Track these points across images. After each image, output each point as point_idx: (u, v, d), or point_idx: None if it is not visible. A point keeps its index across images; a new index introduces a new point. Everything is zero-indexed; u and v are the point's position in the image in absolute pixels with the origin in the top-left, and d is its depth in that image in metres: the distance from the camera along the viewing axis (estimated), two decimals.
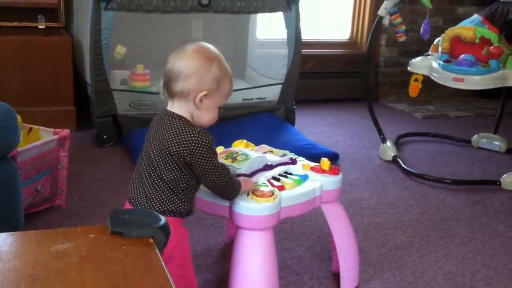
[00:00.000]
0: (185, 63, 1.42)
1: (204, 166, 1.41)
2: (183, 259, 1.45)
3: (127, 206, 1.48)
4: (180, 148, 1.39)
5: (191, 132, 1.40)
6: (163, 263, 0.81)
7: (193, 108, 1.44)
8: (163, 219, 0.91)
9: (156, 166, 1.42)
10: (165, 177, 1.41)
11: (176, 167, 1.40)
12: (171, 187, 1.41)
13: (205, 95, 1.42)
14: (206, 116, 1.46)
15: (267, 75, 3.38)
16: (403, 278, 1.92)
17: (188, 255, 1.51)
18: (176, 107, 1.45)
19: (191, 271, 1.52)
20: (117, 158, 2.82)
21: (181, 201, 1.43)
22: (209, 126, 1.49)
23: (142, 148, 1.50)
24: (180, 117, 1.43)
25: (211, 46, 1.48)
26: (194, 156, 1.39)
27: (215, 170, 1.43)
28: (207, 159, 1.41)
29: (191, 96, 1.42)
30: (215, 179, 1.44)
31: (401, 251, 2.10)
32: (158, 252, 0.84)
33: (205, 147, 1.40)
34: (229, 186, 1.50)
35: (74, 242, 0.87)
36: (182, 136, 1.39)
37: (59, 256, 0.83)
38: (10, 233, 0.90)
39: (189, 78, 1.41)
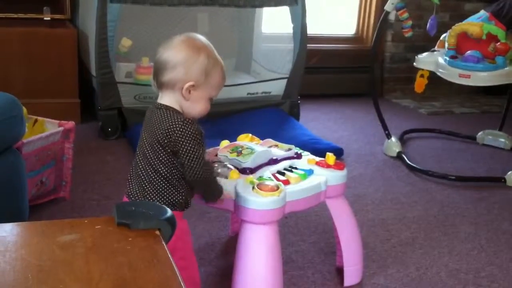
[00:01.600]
0: (172, 53, 1.41)
1: (186, 155, 1.38)
2: (185, 251, 1.45)
3: (125, 200, 1.48)
4: (165, 137, 1.38)
5: (175, 120, 1.38)
6: (169, 255, 0.81)
7: (181, 99, 1.42)
8: (169, 211, 0.91)
9: (149, 158, 1.41)
10: (159, 169, 1.40)
11: (167, 157, 1.40)
12: (166, 178, 1.41)
13: (192, 85, 1.41)
14: (195, 107, 1.44)
15: (272, 69, 3.37)
16: (407, 274, 1.92)
17: (190, 248, 1.51)
18: (165, 98, 1.44)
19: (194, 263, 1.52)
20: (122, 151, 2.82)
21: (178, 192, 1.42)
22: (200, 117, 1.47)
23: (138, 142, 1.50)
24: (168, 108, 1.41)
25: (200, 36, 1.46)
26: (178, 144, 1.38)
27: (197, 160, 1.39)
28: (189, 147, 1.38)
29: (178, 87, 1.41)
30: (196, 169, 1.40)
31: (405, 247, 2.10)
32: (164, 244, 0.84)
33: (189, 136, 1.37)
34: (210, 182, 1.47)
35: (80, 233, 0.86)
36: (168, 125, 1.38)
37: (65, 246, 0.83)
38: (17, 223, 0.90)
39: (175, 68, 1.40)
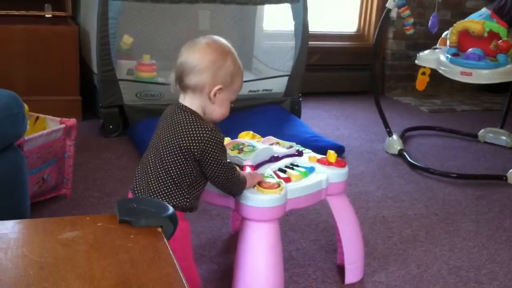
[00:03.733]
0: (199, 57, 1.41)
1: (212, 163, 1.41)
2: (184, 252, 1.44)
3: (130, 196, 1.48)
4: (191, 144, 1.38)
5: (203, 129, 1.39)
6: (171, 253, 0.81)
7: (207, 102, 1.43)
8: (171, 209, 0.91)
9: (163, 159, 1.41)
10: (171, 171, 1.40)
11: (185, 162, 1.39)
12: (176, 181, 1.40)
13: (220, 89, 1.42)
14: (219, 110, 1.45)
15: (273, 67, 3.37)
16: (408, 272, 1.92)
17: (189, 248, 1.50)
18: (188, 100, 1.44)
19: (193, 264, 1.52)
20: (123, 148, 2.82)
21: (184, 197, 1.42)
22: (221, 120, 1.49)
23: (150, 138, 1.49)
24: (193, 112, 1.42)
25: (224, 40, 1.47)
26: (205, 152, 1.39)
27: (223, 168, 1.43)
28: (216, 156, 1.40)
29: (206, 90, 1.42)
30: (221, 177, 1.44)
31: (406, 244, 2.10)
32: (166, 242, 0.84)
33: (216, 144, 1.39)
34: (234, 185, 1.49)
35: (82, 230, 0.87)
36: (194, 132, 1.38)
37: (67, 244, 0.83)
38: (18, 220, 0.90)
39: (203, 72, 1.40)
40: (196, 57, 1.41)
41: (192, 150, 1.38)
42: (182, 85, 1.44)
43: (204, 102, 1.43)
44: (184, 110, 1.42)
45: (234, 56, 1.46)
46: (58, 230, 0.86)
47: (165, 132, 1.43)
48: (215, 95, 1.42)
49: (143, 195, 1.43)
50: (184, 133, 1.39)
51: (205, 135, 1.38)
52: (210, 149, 1.39)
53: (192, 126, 1.39)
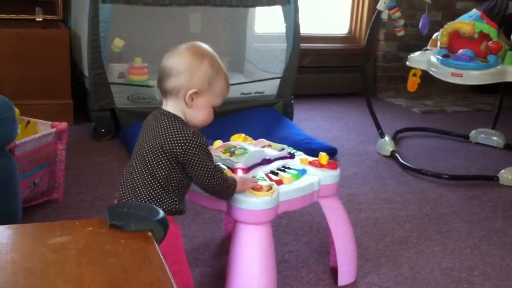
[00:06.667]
0: (176, 61, 1.42)
1: (196, 167, 1.40)
2: (177, 255, 1.44)
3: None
4: (173, 146, 1.38)
5: (185, 132, 1.39)
6: (161, 257, 0.81)
7: (184, 107, 1.43)
8: (161, 213, 0.91)
9: (148, 163, 1.41)
10: (157, 175, 1.40)
11: (168, 164, 1.39)
12: (163, 185, 1.40)
13: (195, 92, 1.41)
14: (198, 115, 1.44)
15: (265, 69, 3.37)
16: (401, 273, 1.92)
17: (182, 251, 1.50)
18: (169, 105, 1.44)
19: (186, 267, 1.51)
20: (115, 152, 2.82)
21: (172, 199, 1.42)
22: (203, 126, 1.47)
23: (134, 145, 1.49)
24: (176, 117, 1.42)
25: (205, 45, 1.47)
26: (187, 155, 1.38)
27: (207, 172, 1.42)
28: (200, 160, 1.39)
29: (181, 94, 1.41)
30: (206, 180, 1.43)
31: (399, 246, 2.10)
32: (156, 246, 0.84)
33: (198, 148, 1.39)
34: (222, 188, 1.47)
35: (71, 235, 0.86)
36: (176, 135, 1.38)
37: (56, 249, 0.82)
38: (8, 226, 0.90)
39: (179, 75, 1.40)
40: (174, 61, 1.42)
41: (175, 152, 1.38)
42: (162, 89, 1.44)
43: (182, 107, 1.43)
44: (167, 115, 1.42)
45: (213, 60, 1.44)
46: (48, 235, 0.86)
47: (148, 137, 1.43)
48: (192, 99, 1.42)
49: (129, 200, 1.42)
50: (167, 136, 1.39)
51: (187, 137, 1.38)
52: (192, 151, 1.38)
53: (174, 130, 1.39)
